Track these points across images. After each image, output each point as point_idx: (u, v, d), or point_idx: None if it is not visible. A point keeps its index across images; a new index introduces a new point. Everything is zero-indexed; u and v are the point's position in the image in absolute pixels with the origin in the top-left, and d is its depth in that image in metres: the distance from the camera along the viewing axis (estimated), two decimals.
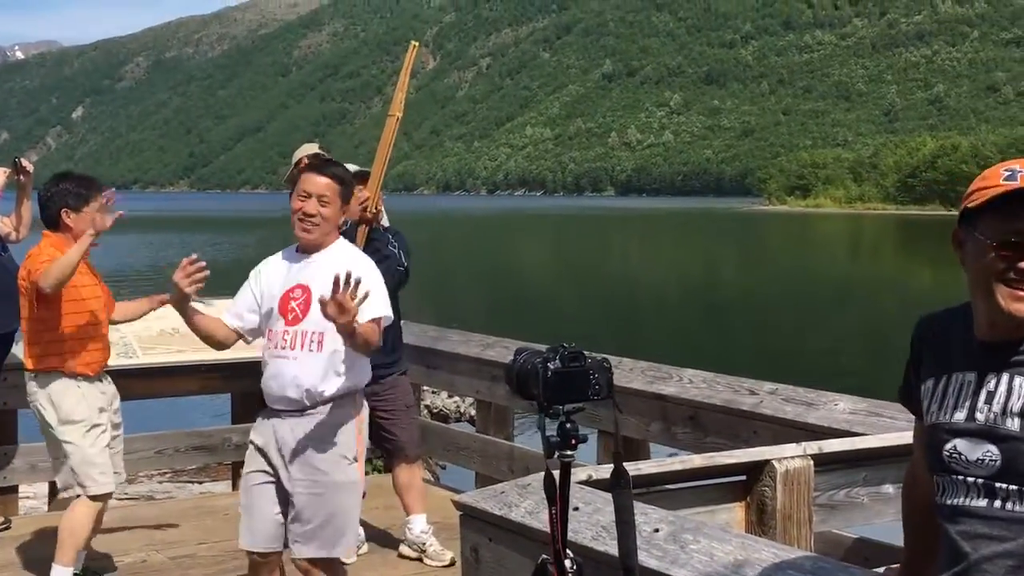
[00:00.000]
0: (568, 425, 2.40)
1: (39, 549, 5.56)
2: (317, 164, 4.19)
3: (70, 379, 4.88)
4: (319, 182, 3.98)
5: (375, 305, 3.88)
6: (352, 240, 5.25)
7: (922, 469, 2.32)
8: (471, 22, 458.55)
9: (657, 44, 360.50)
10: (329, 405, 4.00)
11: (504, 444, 6.39)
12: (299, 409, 3.97)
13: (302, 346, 3.93)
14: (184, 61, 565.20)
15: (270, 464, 4.02)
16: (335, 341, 3.89)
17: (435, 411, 10.18)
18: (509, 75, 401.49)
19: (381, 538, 5.74)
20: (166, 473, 8.15)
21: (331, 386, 3.99)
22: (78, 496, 4.90)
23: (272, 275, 4.07)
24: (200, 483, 8.28)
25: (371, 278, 3.90)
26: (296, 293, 3.95)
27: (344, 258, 4.00)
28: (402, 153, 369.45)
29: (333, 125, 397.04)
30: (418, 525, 5.49)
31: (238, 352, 6.44)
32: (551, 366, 2.39)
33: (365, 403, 4.21)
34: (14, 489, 6.27)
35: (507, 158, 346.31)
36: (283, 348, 3.94)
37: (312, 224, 3.96)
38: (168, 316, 6.46)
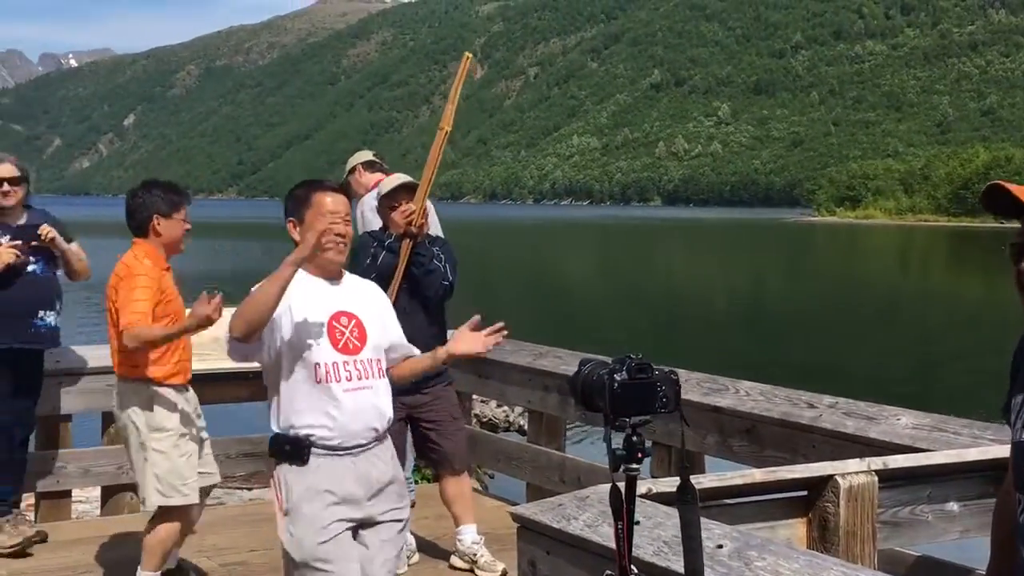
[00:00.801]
0: (635, 438, 2.36)
1: (90, 554, 5.59)
2: (335, 185, 3.94)
3: (162, 388, 4.86)
4: (344, 202, 3.81)
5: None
6: (396, 253, 5.21)
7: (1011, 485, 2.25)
8: (519, 31, 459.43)
9: (706, 54, 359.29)
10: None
11: (556, 455, 6.34)
12: (378, 439, 3.77)
13: (375, 375, 3.74)
14: (234, 69, 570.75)
15: (352, 507, 3.67)
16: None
17: (484, 420, 10.14)
18: (557, 84, 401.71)
19: (432, 549, 5.70)
20: None
21: (392, 410, 3.87)
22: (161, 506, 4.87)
23: (308, 299, 3.67)
24: (250, 489, 8.29)
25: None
26: (343, 321, 3.69)
27: (364, 284, 3.94)
28: (449, 161, 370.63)
29: (381, 134, 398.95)
30: (469, 536, 5.45)
31: None
32: (618, 378, 2.35)
33: None
34: (67, 494, 6.30)
35: (554, 167, 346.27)
36: (360, 379, 3.68)
37: (345, 246, 3.79)
38: (220, 323, 6.48)
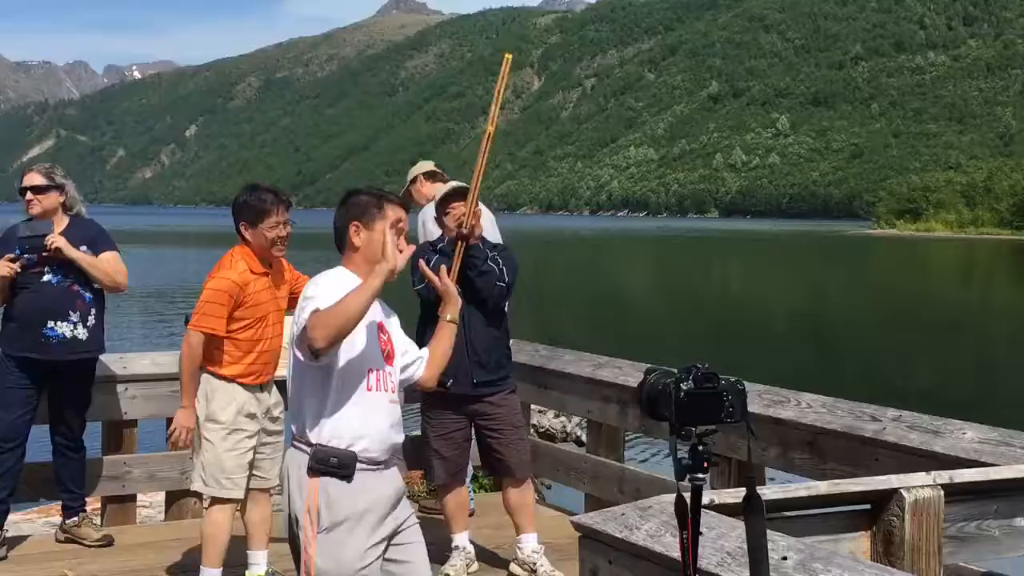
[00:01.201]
0: (700, 448, 2.35)
1: (155, 558, 5.66)
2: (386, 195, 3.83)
3: (225, 382, 4.95)
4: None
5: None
6: (449, 256, 5.22)
7: None
8: (576, 43, 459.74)
9: (764, 65, 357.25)
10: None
11: (615, 465, 6.33)
12: (397, 454, 3.72)
13: (399, 388, 3.71)
14: (294, 81, 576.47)
15: (387, 522, 3.60)
16: None
17: (541, 431, 10.14)
18: (614, 96, 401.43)
19: (491, 557, 5.71)
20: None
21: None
22: (208, 500, 5.00)
23: None
24: None
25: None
26: (384, 335, 3.65)
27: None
28: (506, 172, 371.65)
29: (438, 145, 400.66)
30: (529, 544, 5.45)
31: None
32: (684, 387, 2.35)
33: None
34: (132, 498, 6.38)
35: (610, 178, 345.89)
36: (395, 391, 3.65)
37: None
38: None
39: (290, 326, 3.63)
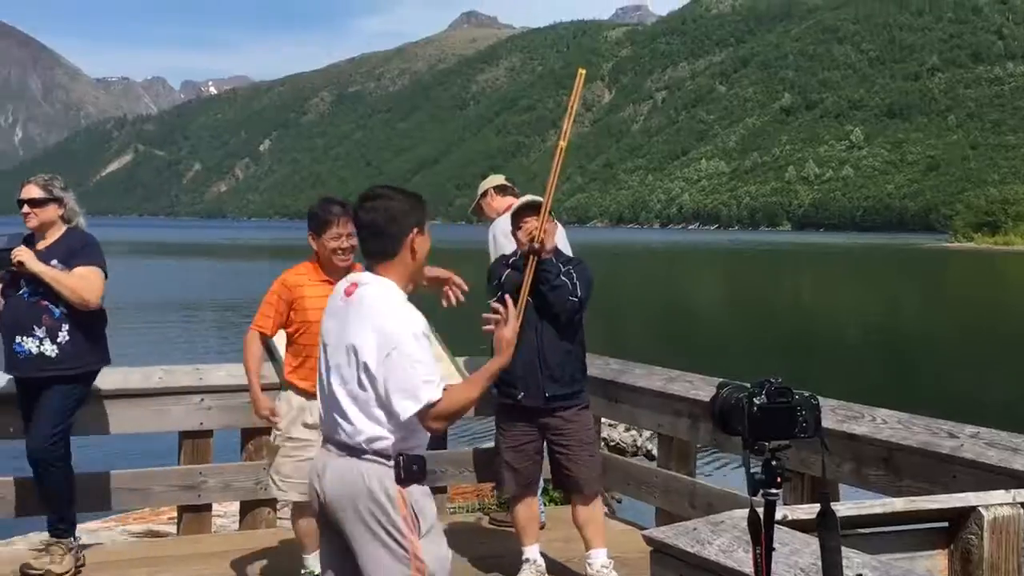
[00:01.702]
0: (773, 463, 2.34)
1: (229, 567, 5.74)
2: None
3: (285, 388, 5.20)
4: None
5: None
6: (521, 270, 5.24)
7: None
8: (647, 56, 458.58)
9: (838, 76, 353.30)
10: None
11: (686, 480, 6.29)
12: None
13: None
14: (366, 95, 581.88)
15: None
16: None
17: (612, 444, 10.11)
18: (685, 108, 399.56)
19: (561, 570, 5.71)
20: None
21: None
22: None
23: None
24: None
25: None
26: None
27: None
28: (576, 186, 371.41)
29: (508, 158, 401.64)
30: (599, 559, 5.44)
31: None
32: (757, 401, 2.34)
33: None
34: (207, 507, 6.46)
35: (681, 191, 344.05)
36: None
37: None
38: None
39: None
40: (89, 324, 5.55)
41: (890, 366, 25.58)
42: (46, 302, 5.41)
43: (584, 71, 5.75)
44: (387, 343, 3.36)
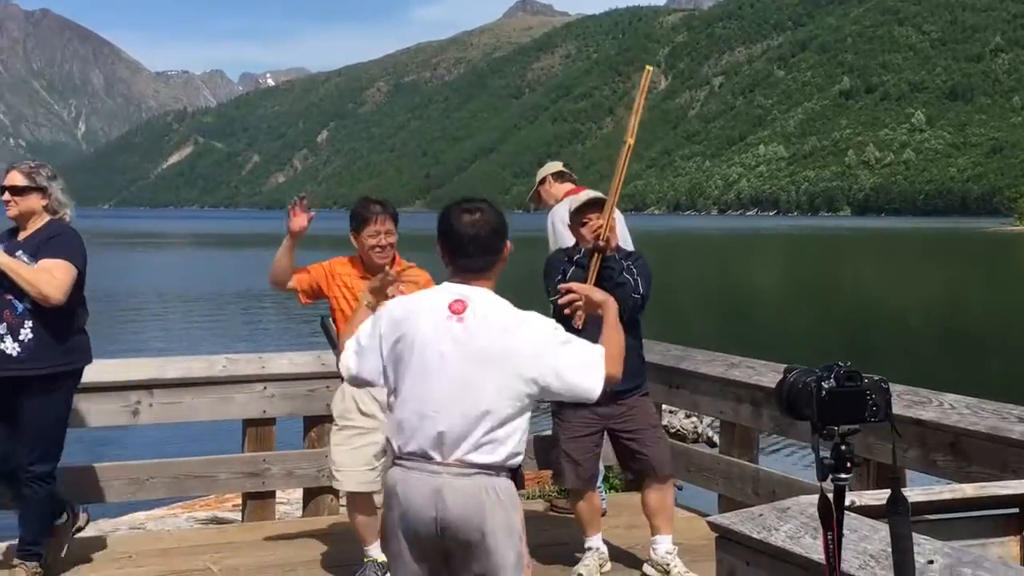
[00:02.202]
0: (843, 447, 2.31)
1: (293, 554, 5.79)
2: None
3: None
4: None
5: None
6: (585, 268, 5.22)
7: None
8: (704, 41, 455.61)
9: (899, 59, 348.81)
10: None
11: (749, 466, 6.24)
12: None
13: None
14: (422, 85, 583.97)
15: None
16: None
17: (672, 431, 10.06)
18: (742, 93, 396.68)
19: (624, 557, 5.69)
20: None
21: None
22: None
23: None
24: None
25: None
26: None
27: None
28: (633, 173, 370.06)
29: (564, 146, 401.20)
30: (664, 545, 5.41)
31: None
32: (825, 385, 2.31)
33: (390, 470, 3.57)
34: (271, 495, 6.52)
35: (739, 177, 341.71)
36: None
37: None
38: None
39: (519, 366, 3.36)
40: (58, 321, 5.05)
41: (955, 351, 25.23)
42: (10, 296, 4.98)
43: (651, 69, 5.73)
44: (539, 340, 3.36)
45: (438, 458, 3.29)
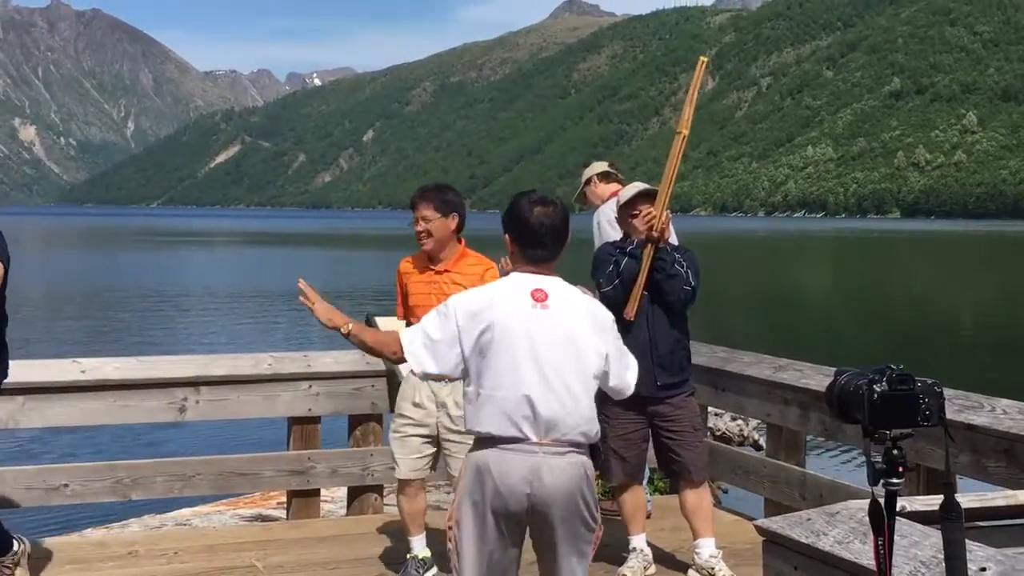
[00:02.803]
0: (895, 452, 2.27)
1: (338, 551, 5.80)
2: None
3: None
4: None
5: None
6: (639, 259, 5.20)
7: None
8: (751, 42, 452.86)
9: (950, 60, 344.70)
10: None
11: (796, 470, 6.18)
12: None
13: None
14: (468, 85, 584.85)
15: None
16: None
17: (718, 434, 10.00)
18: (790, 94, 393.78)
19: (669, 560, 5.66)
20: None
21: None
22: None
23: None
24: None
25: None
26: None
27: None
28: (679, 174, 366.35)
29: (610, 147, 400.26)
30: (707, 549, 5.37)
31: None
32: (877, 388, 2.27)
33: (474, 453, 3.69)
34: (316, 492, 6.54)
35: (786, 178, 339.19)
36: None
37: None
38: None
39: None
40: None
41: (1008, 356, 24.85)
42: None
43: (706, 60, 5.75)
44: (609, 329, 3.68)
45: (534, 438, 3.49)
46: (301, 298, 4.04)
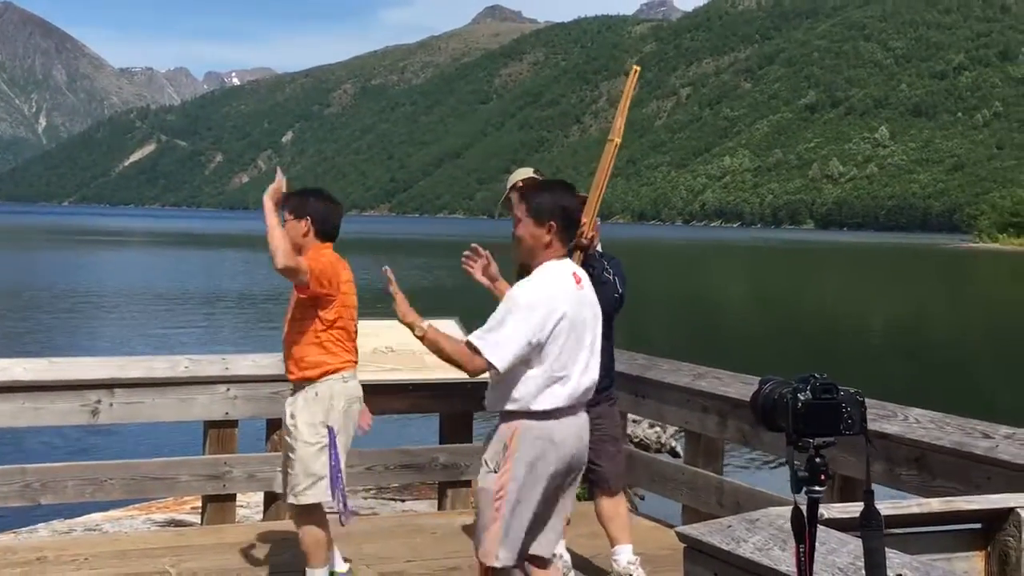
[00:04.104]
0: (818, 460, 2.29)
1: (253, 557, 5.72)
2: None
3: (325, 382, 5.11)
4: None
5: (478, 330, 3.94)
6: None
7: None
8: (672, 52, 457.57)
9: (864, 74, 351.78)
10: (498, 419, 4.10)
11: (714, 477, 6.24)
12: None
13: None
14: (389, 88, 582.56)
15: None
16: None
17: (636, 440, 10.05)
18: (709, 105, 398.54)
19: (587, 567, 5.68)
20: (371, 489, 8.28)
21: (494, 402, 4.05)
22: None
23: None
24: (403, 500, 8.38)
25: (504, 304, 3.91)
26: None
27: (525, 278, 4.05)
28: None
29: (531, 153, 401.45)
30: (624, 556, 5.39)
31: (447, 373, 6.54)
32: (801, 397, 2.29)
33: (533, 426, 3.96)
34: (232, 498, 6.45)
35: (704, 188, 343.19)
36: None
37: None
38: (381, 335, 6.58)
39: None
40: None
41: (918, 366, 25.43)
42: None
43: (639, 68, 5.78)
44: None
45: (577, 405, 4.03)
46: (391, 287, 4.10)
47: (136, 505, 7.83)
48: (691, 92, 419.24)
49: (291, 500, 4.97)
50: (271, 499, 6.46)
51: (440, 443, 6.94)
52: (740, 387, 5.90)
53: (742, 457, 10.90)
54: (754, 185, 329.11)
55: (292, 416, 4.95)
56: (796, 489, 2.31)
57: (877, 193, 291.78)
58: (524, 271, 4.16)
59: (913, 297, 51.51)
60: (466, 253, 4.50)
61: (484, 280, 4.52)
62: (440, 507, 7.02)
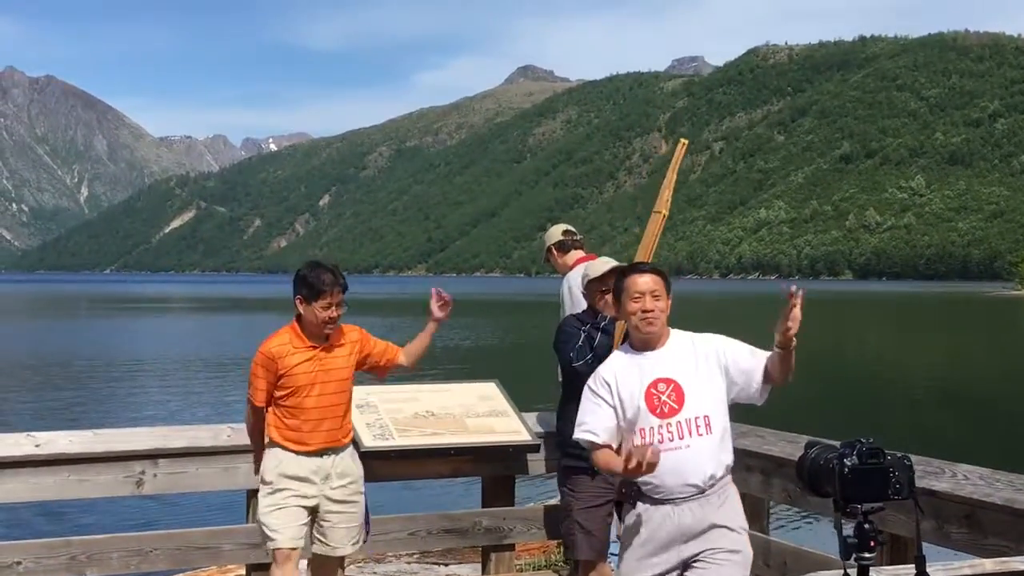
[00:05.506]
0: (866, 525, 2.27)
1: None
2: (635, 266, 4.42)
3: (275, 448, 5.22)
4: (647, 280, 4.27)
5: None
6: (611, 335, 5.19)
7: None
8: (704, 107, 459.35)
9: (898, 124, 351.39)
10: (723, 481, 4.13)
11: (759, 537, 6.14)
12: (701, 492, 4.07)
13: (694, 433, 4.09)
14: (424, 150, 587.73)
15: (666, 551, 4.10)
16: (721, 421, 4.15)
17: None
18: (743, 158, 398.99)
19: None
20: (414, 554, 8.23)
21: (723, 465, 4.12)
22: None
23: (626, 378, 4.18)
24: (446, 565, 8.32)
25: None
26: (660, 387, 4.13)
27: (688, 341, 4.36)
28: (633, 237, 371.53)
29: (565, 210, 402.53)
30: None
31: (488, 436, 6.53)
32: (848, 462, 2.27)
33: None
34: None
35: (740, 241, 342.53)
36: (671, 440, 4.07)
37: (654, 318, 4.24)
38: (422, 399, 6.60)
39: None
40: None
41: (965, 420, 25.02)
42: None
43: (686, 142, 5.84)
44: None
45: None
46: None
47: (181, 574, 7.82)
48: (724, 146, 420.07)
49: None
50: (315, 565, 6.43)
51: (482, 506, 6.90)
52: (784, 446, 5.84)
53: (790, 511, 10.75)
54: (791, 237, 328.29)
55: (339, 475, 5.24)
56: (845, 556, 2.29)
57: (916, 242, 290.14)
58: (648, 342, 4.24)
59: (956, 347, 50.91)
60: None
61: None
62: (484, 571, 6.96)
